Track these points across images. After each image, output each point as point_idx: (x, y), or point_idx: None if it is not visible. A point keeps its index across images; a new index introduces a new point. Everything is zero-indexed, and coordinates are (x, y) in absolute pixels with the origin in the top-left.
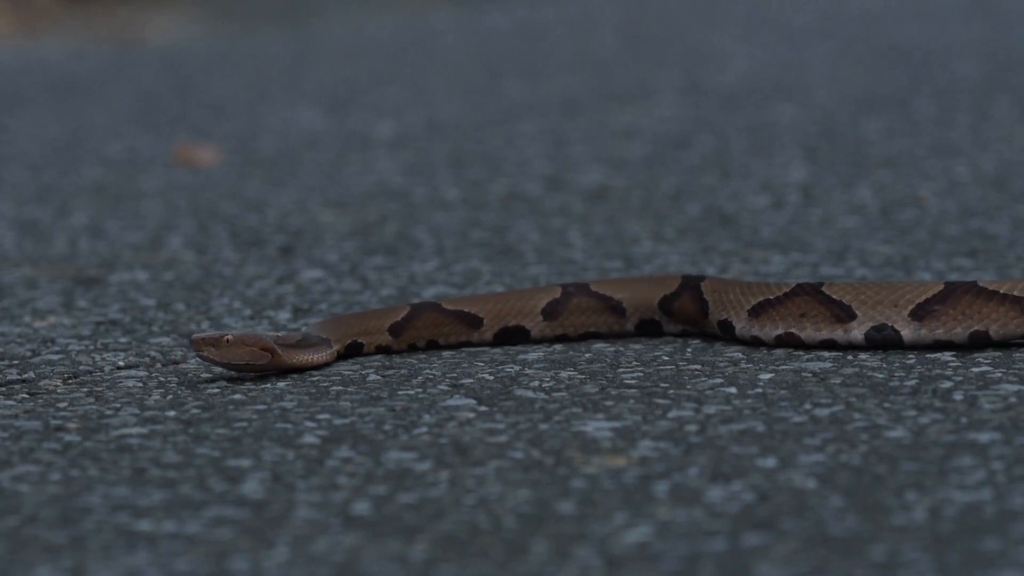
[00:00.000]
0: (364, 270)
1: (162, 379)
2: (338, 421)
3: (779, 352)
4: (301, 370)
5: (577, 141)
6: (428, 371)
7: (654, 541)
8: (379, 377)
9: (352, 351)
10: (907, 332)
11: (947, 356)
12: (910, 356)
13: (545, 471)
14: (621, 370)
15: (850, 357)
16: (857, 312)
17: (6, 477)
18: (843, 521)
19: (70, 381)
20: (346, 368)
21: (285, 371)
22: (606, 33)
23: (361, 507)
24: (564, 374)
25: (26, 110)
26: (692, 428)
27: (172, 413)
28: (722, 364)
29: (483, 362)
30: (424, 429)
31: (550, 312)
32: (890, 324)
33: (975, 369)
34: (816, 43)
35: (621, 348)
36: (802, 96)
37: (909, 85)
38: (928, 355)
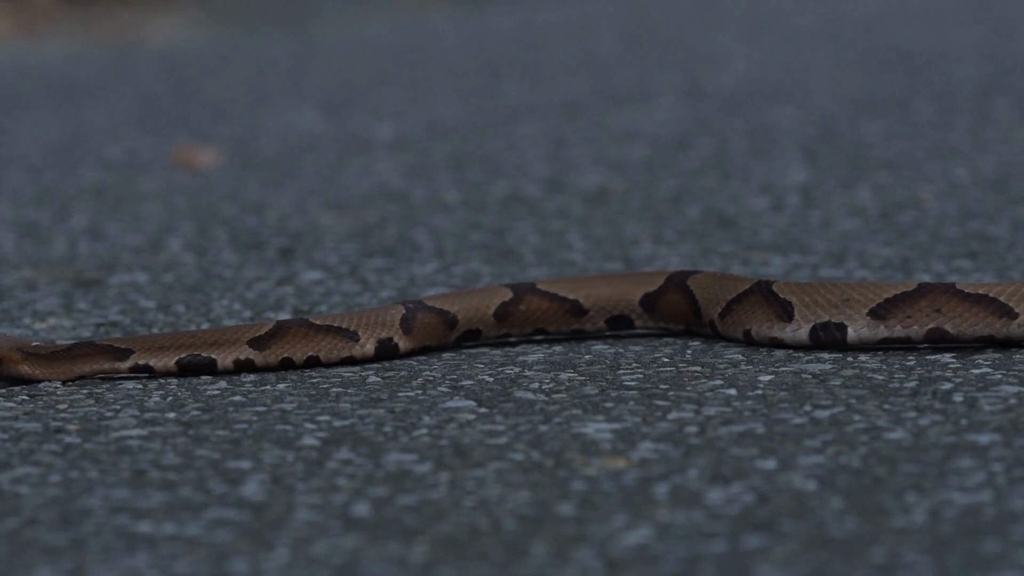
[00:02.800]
0: (364, 272)
1: (162, 381)
2: (338, 423)
3: (779, 354)
4: (39, 381)
5: (577, 143)
6: (428, 373)
7: (654, 543)
8: (379, 379)
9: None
10: (639, 322)
11: (947, 358)
12: (910, 358)
13: (545, 473)
14: (621, 372)
15: (850, 359)
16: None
17: (6, 479)
18: (843, 523)
19: (70, 383)
20: (346, 370)
21: (20, 379)
22: (606, 35)
23: (361, 509)
24: (564, 376)
25: (26, 112)
26: (692, 430)
27: (172, 415)
28: (722, 366)
29: (483, 364)
30: (424, 431)
31: (406, 328)
32: (627, 315)
33: (975, 371)
34: (816, 45)
35: (621, 350)
36: (802, 98)
37: (909, 87)
38: (928, 356)
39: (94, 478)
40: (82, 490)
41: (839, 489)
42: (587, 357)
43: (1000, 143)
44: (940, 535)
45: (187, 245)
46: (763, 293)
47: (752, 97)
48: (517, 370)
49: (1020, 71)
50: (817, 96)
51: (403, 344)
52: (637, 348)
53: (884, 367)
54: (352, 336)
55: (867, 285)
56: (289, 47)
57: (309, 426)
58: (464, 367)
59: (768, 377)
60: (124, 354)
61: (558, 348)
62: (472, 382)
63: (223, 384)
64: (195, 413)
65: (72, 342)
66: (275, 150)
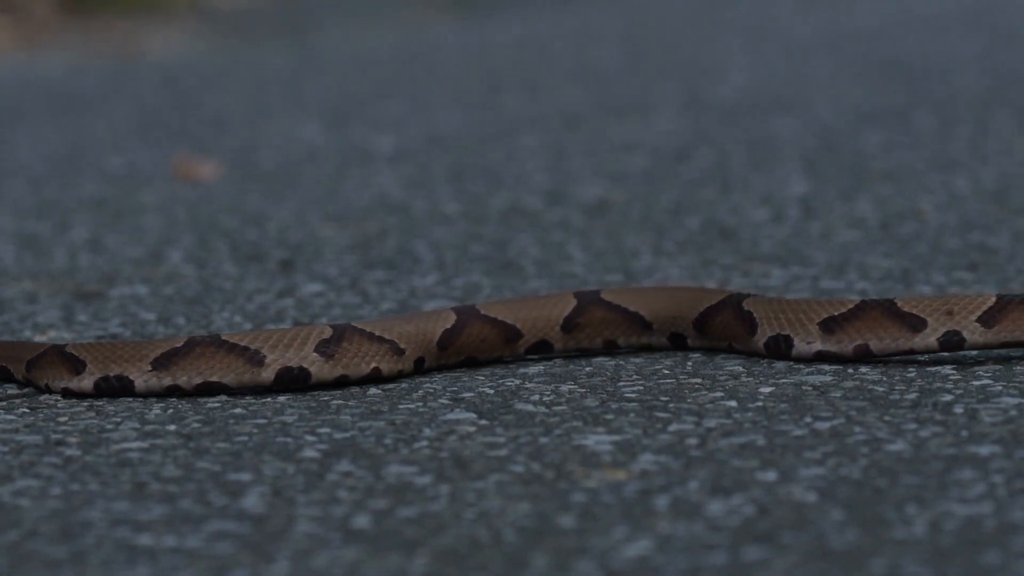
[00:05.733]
0: (364, 284)
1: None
2: (338, 435)
3: (780, 365)
4: None
5: (577, 155)
6: (428, 385)
7: (654, 555)
8: (379, 391)
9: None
10: (429, 360)
11: (948, 369)
12: (911, 369)
13: (545, 485)
14: (621, 384)
15: (851, 371)
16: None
17: (6, 492)
18: (843, 535)
19: (70, 395)
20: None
21: None
22: (606, 47)
23: (361, 521)
24: (564, 388)
25: (26, 124)
26: (692, 441)
27: (172, 427)
28: (723, 378)
29: (483, 376)
30: (424, 443)
31: (163, 364)
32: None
33: (975, 382)
34: (816, 56)
35: (621, 362)
36: (802, 109)
37: (909, 98)
38: (928, 368)
39: (95, 490)
40: (83, 502)
41: (840, 501)
42: (587, 369)
43: (1000, 154)
44: (940, 547)
45: (187, 257)
46: (596, 303)
47: (752, 108)
48: (518, 382)
49: (1020, 82)
50: (817, 107)
51: (142, 381)
52: (638, 360)
53: (884, 379)
54: (77, 367)
55: (701, 294)
56: (289, 59)
57: (309, 438)
58: (464, 379)
59: (768, 389)
60: None
61: (558, 360)
62: (473, 394)
63: (223, 397)
64: (196, 425)
65: None
66: (275, 162)
